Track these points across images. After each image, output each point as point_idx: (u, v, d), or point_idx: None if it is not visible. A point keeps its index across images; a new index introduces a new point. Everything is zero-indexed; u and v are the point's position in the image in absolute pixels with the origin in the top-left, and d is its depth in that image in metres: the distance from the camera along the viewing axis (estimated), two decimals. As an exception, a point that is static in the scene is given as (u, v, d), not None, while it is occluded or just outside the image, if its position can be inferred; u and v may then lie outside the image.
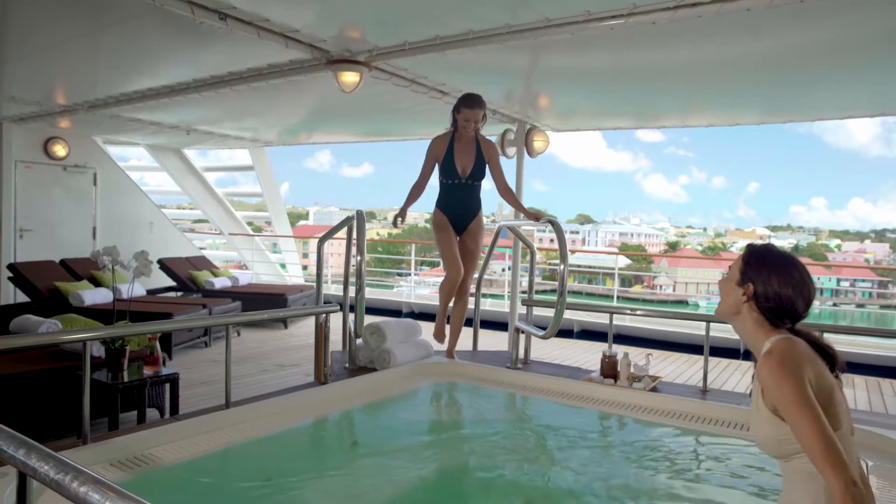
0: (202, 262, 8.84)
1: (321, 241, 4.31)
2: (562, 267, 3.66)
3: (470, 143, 4.28)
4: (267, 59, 4.78)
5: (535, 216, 4.36)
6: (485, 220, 4.44)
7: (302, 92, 5.90)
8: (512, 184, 6.81)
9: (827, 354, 1.48)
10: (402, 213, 4.19)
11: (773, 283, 1.49)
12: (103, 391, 3.71)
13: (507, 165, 7.19)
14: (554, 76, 5.29)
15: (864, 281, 51.53)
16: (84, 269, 7.04)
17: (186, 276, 8.19)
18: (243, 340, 7.27)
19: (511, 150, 6.74)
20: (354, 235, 3.69)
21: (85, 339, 2.55)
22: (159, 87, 5.78)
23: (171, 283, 8.31)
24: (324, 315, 3.59)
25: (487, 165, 4.29)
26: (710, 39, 4.09)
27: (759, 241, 1.65)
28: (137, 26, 4.17)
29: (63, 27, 4.25)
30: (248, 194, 11.23)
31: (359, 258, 3.46)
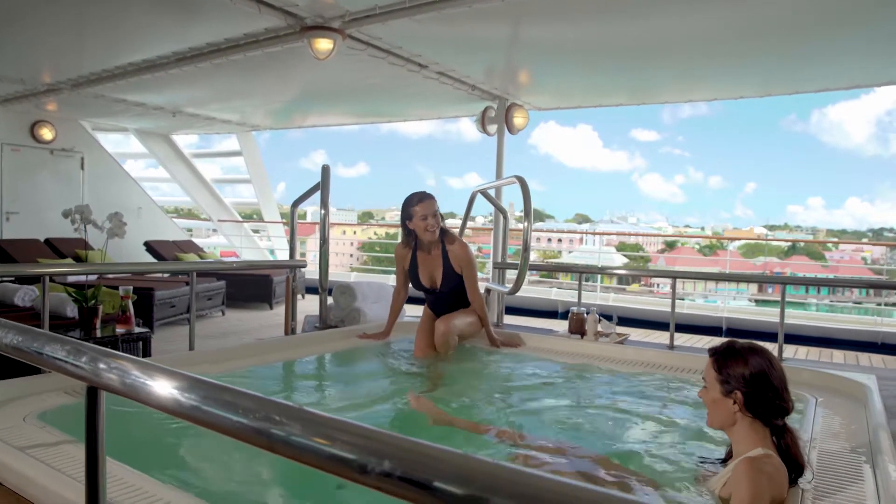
0: (189, 246, 8.88)
1: (294, 204, 4.35)
2: (525, 224, 3.71)
3: (435, 252, 3.47)
4: (242, 28, 4.83)
5: (496, 342, 3.65)
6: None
7: (283, 69, 5.95)
8: (493, 164, 6.94)
9: (797, 465, 1.58)
10: (387, 332, 3.68)
11: (756, 382, 1.56)
12: (74, 347, 3.76)
13: (489, 145, 7.27)
14: (534, 50, 5.32)
15: (861, 280, 51.46)
16: (68, 248, 7.09)
17: (172, 259, 8.23)
18: (227, 319, 7.31)
19: (492, 128, 6.79)
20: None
21: (44, 274, 2.59)
22: (140, 62, 5.83)
23: (150, 258, 8.35)
24: (293, 270, 3.63)
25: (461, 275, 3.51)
26: (692, 9, 4.14)
27: (719, 342, 1.67)
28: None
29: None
30: (236, 180, 11.27)
31: (322, 212, 3.51)
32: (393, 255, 3.77)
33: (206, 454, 2.02)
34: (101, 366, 0.86)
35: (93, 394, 0.90)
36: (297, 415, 0.70)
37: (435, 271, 3.48)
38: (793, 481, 1.59)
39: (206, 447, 2.05)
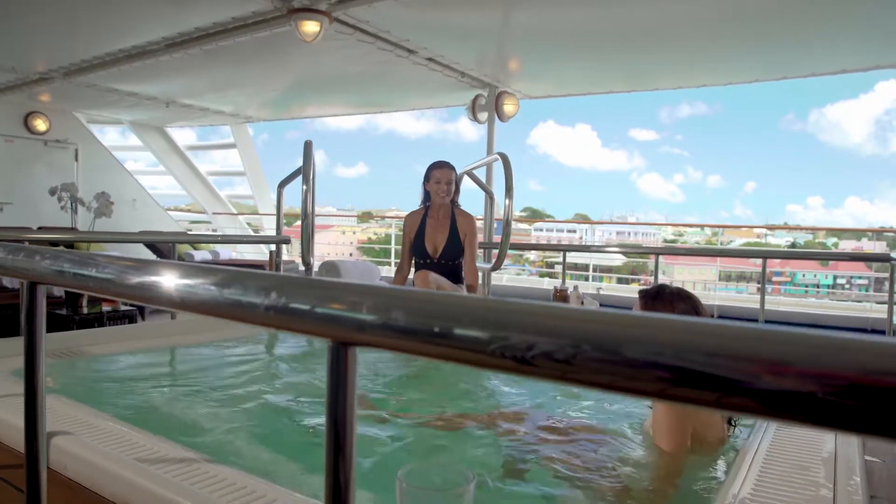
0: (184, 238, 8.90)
1: (281, 185, 4.39)
2: (507, 201, 3.75)
3: (445, 219, 3.78)
4: (230, 11, 4.85)
5: None
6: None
7: (274, 57, 5.97)
8: (483, 150, 6.96)
9: None
10: None
11: None
12: (60, 323, 3.80)
13: (480, 132, 7.29)
14: (523, 35, 5.32)
15: (860, 277, 51.48)
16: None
17: (167, 250, 8.25)
18: (220, 308, 7.34)
19: (482, 116, 6.81)
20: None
21: (23, 240, 2.62)
22: (130, 48, 5.85)
23: (151, 256, 8.39)
24: (275, 246, 3.66)
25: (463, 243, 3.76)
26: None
27: (650, 287, 1.70)
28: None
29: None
30: (231, 173, 11.30)
31: (305, 188, 3.54)
32: (390, 248, 3.86)
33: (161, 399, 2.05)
34: (37, 257, 0.88)
35: (32, 289, 0.92)
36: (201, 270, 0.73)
37: (440, 236, 3.75)
38: (733, 424, 1.60)
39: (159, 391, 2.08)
